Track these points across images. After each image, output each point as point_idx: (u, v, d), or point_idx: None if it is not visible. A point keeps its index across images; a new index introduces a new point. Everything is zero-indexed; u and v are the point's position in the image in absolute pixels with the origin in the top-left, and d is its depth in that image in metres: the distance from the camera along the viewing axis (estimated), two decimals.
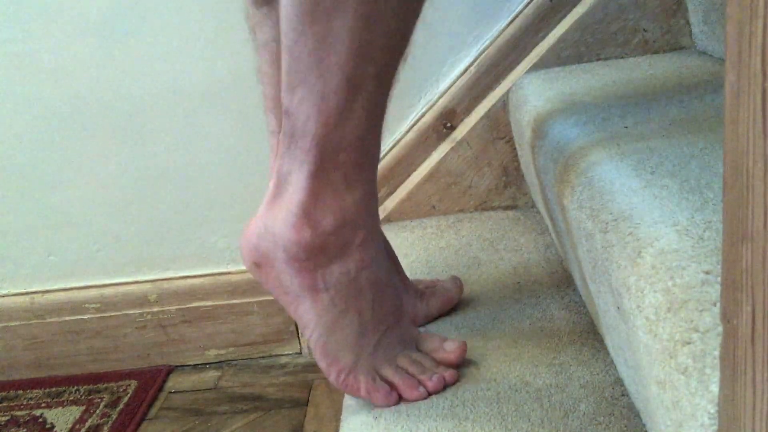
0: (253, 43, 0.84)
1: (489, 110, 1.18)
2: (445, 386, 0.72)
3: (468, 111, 1.21)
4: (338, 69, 0.59)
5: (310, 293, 0.67)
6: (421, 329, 0.85)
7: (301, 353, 1.35)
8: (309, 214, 0.65)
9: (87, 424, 1.21)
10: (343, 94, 0.61)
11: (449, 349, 0.74)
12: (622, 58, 1.16)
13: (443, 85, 1.23)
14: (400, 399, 0.70)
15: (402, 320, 0.74)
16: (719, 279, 0.39)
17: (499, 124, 1.18)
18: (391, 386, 0.70)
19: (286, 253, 0.66)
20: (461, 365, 0.75)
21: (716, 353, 0.39)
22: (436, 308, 0.86)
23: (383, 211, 1.23)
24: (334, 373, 0.70)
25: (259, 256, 0.68)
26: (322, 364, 0.70)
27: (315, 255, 0.66)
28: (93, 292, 1.35)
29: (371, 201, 0.68)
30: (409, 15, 0.62)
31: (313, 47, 0.59)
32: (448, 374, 0.72)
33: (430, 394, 0.71)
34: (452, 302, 0.87)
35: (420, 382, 0.71)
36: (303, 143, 0.63)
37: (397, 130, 1.25)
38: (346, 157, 0.64)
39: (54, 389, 1.33)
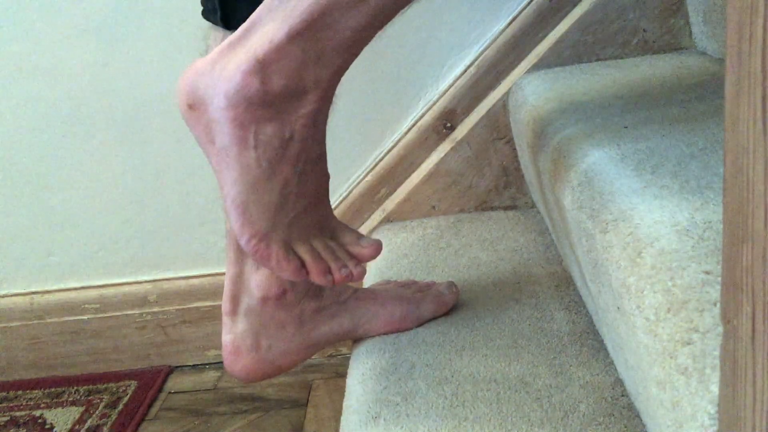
0: None
1: (489, 110, 1.18)
2: (350, 281, 0.71)
3: (468, 111, 1.21)
4: None
5: (237, 147, 0.64)
6: (419, 329, 0.85)
7: None
8: (266, 66, 0.62)
9: (87, 425, 1.21)
10: None
11: (364, 245, 0.73)
12: (622, 58, 1.16)
13: (443, 86, 1.23)
14: (306, 277, 0.69)
15: (323, 205, 0.72)
16: (719, 279, 0.39)
17: (499, 124, 1.18)
18: (302, 264, 0.69)
19: (226, 99, 0.63)
20: (459, 363, 0.75)
21: (716, 354, 0.39)
22: (429, 312, 0.86)
23: (383, 211, 1.23)
24: (247, 236, 0.66)
25: (195, 98, 0.65)
26: (235, 225, 0.66)
27: (254, 108, 0.63)
28: (93, 293, 1.35)
29: (330, 86, 0.65)
30: None
31: None
32: (357, 271, 0.71)
33: (335, 283, 0.70)
34: (446, 307, 0.87)
35: (329, 271, 0.69)
36: (298, 2, 0.60)
37: (397, 130, 1.25)
38: (332, 37, 0.61)
39: (54, 390, 1.33)
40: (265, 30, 0.62)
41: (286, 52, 0.61)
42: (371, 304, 0.85)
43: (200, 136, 0.66)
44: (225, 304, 0.82)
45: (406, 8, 0.64)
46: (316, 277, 0.69)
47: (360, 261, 0.72)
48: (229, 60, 0.63)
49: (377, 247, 0.73)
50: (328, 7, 0.60)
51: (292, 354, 0.83)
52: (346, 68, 0.66)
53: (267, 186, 0.65)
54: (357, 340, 0.88)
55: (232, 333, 0.81)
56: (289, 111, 0.64)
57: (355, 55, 0.65)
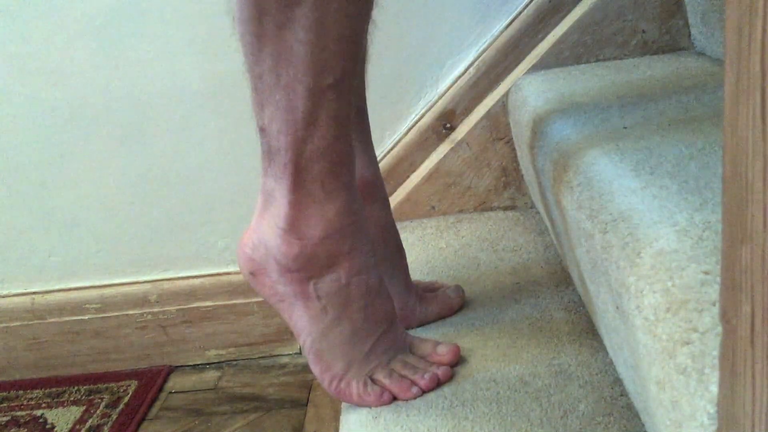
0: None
1: (488, 111, 1.18)
2: (438, 384, 0.72)
3: (467, 112, 1.21)
4: (298, 82, 0.61)
5: (302, 301, 0.69)
6: (419, 329, 0.85)
7: (300, 353, 1.35)
8: (294, 226, 0.66)
9: (87, 425, 1.21)
10: (307, 105, 0.62)
11: (441, 353, 0.75)
12: (621, 58, 1.16)
13: (443, 86, 1.23)
14: (394, 400, 0.71)
15: (395, 326, 0.74)
16: (718, 279, 0.39)
17: (498, 124, 1.18)
18: (384, 389, 0.71)
19: (278, 264, 0.68)
20: (459, 365, 0.75)
21: (715, 353, 0.39)
22: (434, 314, 0.86)
23: None
24: (327, 380, 0.71)
25: (254, 266, 0.70)
26: (315, 371, 0.71)
27: (305, 265, 0.68)
28: (93, 293, 1.35)
29: (354, 207, 0.69)
30: (358, 19, 0.62)
31: (271, 65, 0.60)
32: (441, 371, 0.73)
33: (424, 392, 0.72)
34: (452, 310, 0.88)
35: (413, 383, 0.71)
36: (279, 159, 0.64)
37: (397, 131, 1.25)
38: (321, 167, 0.65)
39: (54, 389, 1.33)
40: (275, 195, 0.67)
41: (299, 204, 0.67)
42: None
43: (269, 297, 0.71)
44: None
45: (358, 96, 0.70)
46: (403, 395, 0.71)
47: (442, 365, 0.74)
48: (265, 230, 0.69)
49: (456, 353, 0.76)
50: (297, 142, 0.63)
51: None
52: (354, 187, 0.69)
53: (336, 330, 0.70)
54: None
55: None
56: (334, 254, 0.69)
57: (351, 170, 0.69)
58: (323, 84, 0.61)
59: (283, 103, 0.62)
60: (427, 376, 0.72)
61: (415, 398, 0.71)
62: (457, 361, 0.76)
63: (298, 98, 0.61)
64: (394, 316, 0.74)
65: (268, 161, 0.66)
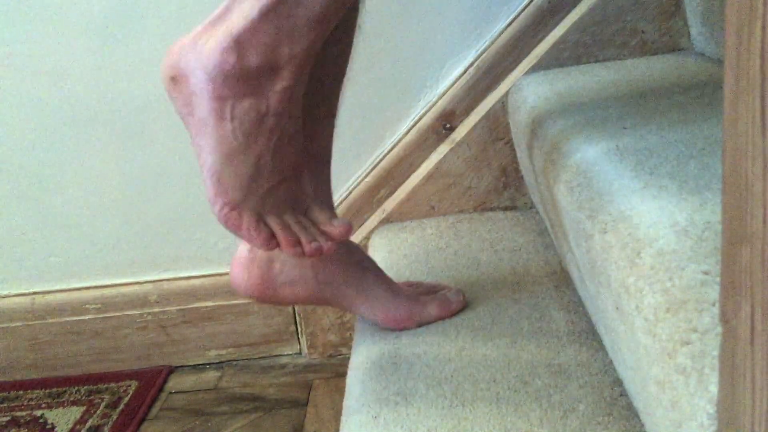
0: None
1: (488, 111, 1.18)
2: (320, 254, 0.72)
3: (467, 112, 1.21)
4: None
5: (215, 119, 0.67)
6: (420, 329, 0.86)
7: (301, 353, 1.35)
8: (242, 43, 0.65)
9: (87, 425, 1.21)
10: None
11: (335, 224, 0.75)
12: (621, 59, 1.16)
13: (442, 87, 1.23)
14: (276, 247, 0.71)
15: (300, 181, 0.74)
16: (718, 279, 0.40)
17: (498, 125, 1.18)
18: (271, 235, 0.70)
19: (205, 74, 0.66)
20: (459, 365, 0.76)
21: (715, 354, 0.39)
22: (432, 315, 0.86)
23: (383, 212, 1.23)
24: (219, 204, 0.69)
25: (177, 71, 0.68)
26: (209, 193, 0.70)
27: (231, 83, 0.66)
28: (94, 293, 1.35)
29: (304, 62, 0.68)
30: None
31: None
32: (327, 245, 0.73)
33: (305, 255, 0.71)
34: (451, 313, 0.87)
35: (299, 242, 0.71)
36: None
37: (397, 131, 1.25)
38: (303, 13, 0.64)
39: (55, 390, 1.33)
40: (242, 8, 0.65)
41: (260, 29, 0.65)
42: (384, 290, 0.85)
43: (181, 107, 0.70)
44: None
45: None
46: (286, 248, 0.70)
47: (330, 239, 0.73)
48: (210, 37, 0.66)
49: (347, 228, 0.75)
50: None
51: (298, 288, 0.83)
52: (319, 44, 0.68)
53: (241, 158, 0.68)
54: (356, 339, 0.88)
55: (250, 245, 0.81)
56: (264, 86, 0.67)
57: (326, 30, 0.68)
58: None
59: None
60: (314, 244, 0.71)
61: (294, 255, 0.71)
62: (347, 237, 0.75)
63: None
64: (302, 172, 0.74)
65: None
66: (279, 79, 0.67)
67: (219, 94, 0.66)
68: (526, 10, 1.18)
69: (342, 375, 1.22)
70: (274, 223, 0.71)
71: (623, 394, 0.69)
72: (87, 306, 1.35)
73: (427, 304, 0.86)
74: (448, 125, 1.21)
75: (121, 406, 1.25)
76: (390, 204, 1.23)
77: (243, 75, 0.66)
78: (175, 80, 0.69)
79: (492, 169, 1.20)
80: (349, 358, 0.88)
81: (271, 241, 0.70)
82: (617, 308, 0.54)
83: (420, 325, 0.86)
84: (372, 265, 0.87)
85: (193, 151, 0.70)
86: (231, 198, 0.69)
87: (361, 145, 1.26)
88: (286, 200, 0.72)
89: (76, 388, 1.33)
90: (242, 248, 0.83)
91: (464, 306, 0.89)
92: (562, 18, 1.17)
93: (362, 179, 1.26)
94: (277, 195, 0.71)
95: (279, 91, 0.67)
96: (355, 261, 0.86)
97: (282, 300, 0.84)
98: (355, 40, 0.79)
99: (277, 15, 0.64)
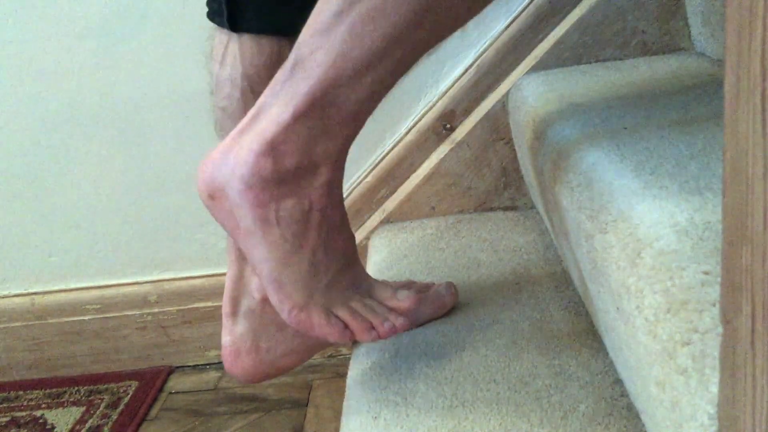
0: (211, 78, 0.84)
1: (488, 111, 1.18)
2: (395, 333, 0.74)
3: (467, 112, 1.21)
4: (369, 41, 0.59)
5: (261, 227, 0.66)
6: (419, 329, 0.85)
7: None
8: (276, 147, 0.64)
9: (87, 425, 1.21)
10: (362, 63, 0.60)
11: (401, 299, 0.76)
12: (621, 59, 1.16)
13: (443, 87, 1.23)
14: (353, 338, 0.72)
15: (355, 265, 0.74)
16: (719, 280, 0.40)
17: (498, 125, 1.18)
18: (345, 325, 0.71)
19: (243, 183, 0.65)
20: (459, 365, 0.75)
21: (716, 354, 0.39)
22: (427, 314, 0.86)
23: (383, 212, 1.23)
24: (287, 309, 0.69)
25: (214, 187, 0.67)
26: (274, 300, 0.69)
27: (271, 187, 0.65)
28: (93, 293, 1.35)
29: (341, 156, 0.68)
30: (467, 13, 0.62)
31: (355, 20, 0.59)
32: (399, 322, 0.74)
33: (380, 338, 0.73)
34: (444, 308, 0.87)
35: (372, 326, 0.72)
36: (301, 84, 0.62)
37: (397, 131, 1.25)
38: (336, 113, 0.63)
39: (54, 390, 1.33)
40: (271, 113, 0.64)
41: (293, 131, 0.64)
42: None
43: (225, 222, 0.69)
44: (225, 305, 0.82)
45: (404, 75, 0.66)
46: (361, 336, 0.72)
47: (401, 314, 0.75)
48: (241, 147, 0.65)
49: (414, 300, 0.77)
50: (329, 85, 0.61)
51: (292, 355, 0.84)
52: (354, 137, 0.68)
53: (296, 258, 0.68)
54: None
55: (231, 335, 0.82)
56: (304, 185, 0.67)
57: (361, 124, 0.67)
58: (391, 55, 0.60)
59: (339, 48, 0.60)
60: (387, 325, 0.73)
61: (371, 341, 0.73)
62: (414, 309, 0.77)
63: (358, 53, 0.60)
64: (355, 255, 0.74)
65: (284, 80, 0.63)
66: (318, 176, 0.67)
67: (260, 200, 0.66)
68: (526, 10, 1.18)
69: (342, 375, 1.22)
70: (342, 313, 0.71)
71: (624, 394, 0.69)
72: (87, 306, 1.35)
73: (420, 304, 0.86)
74: (448, 125, 1.21)
75: (121, 407, 1.25)
76: (390, 204, 1.23)
77: (281, 178, 0.65)
78: (213, 197, 0.67)
79: (492, 169, 1.20)
80: (349, 359, 0.88)
81: (345, 332, 0.71)
82: (618, 308, 0.54)
83: (417, 324, 0.86)
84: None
85: (249, 263, 0.71)
86: (296, 300, 0.69)
87: (361, 145, 1.26)
88: (348, 287, 0.73)
89: (76, 388, 1.33)
90: (224, 341, 0.83)
91: (456, 299, 0.89)
92: (563, 18, 1.16)
93: (362, 179, 1.26)
94: (338, 285, 0.71)
95: (319, 186, 0.67)
96: None
97: (284, 371, 0.86)
98: None
99: (309, 117, 0.63)
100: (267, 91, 0.65)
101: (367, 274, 0.78)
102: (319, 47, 0.60)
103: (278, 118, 0.63)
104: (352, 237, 0.74)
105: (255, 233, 0.67)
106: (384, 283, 0.78)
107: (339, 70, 0.61)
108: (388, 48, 0.60)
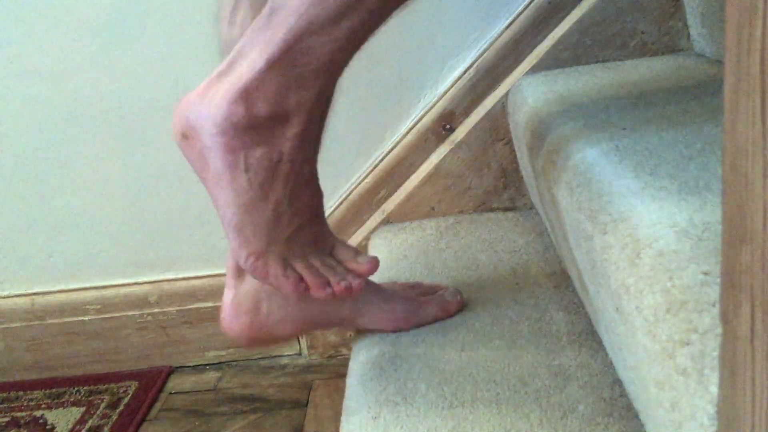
0: (218, 40, 0.85)
1: (488, 112, 1.18)
2: (350, 293, 0.73)
3: (467, 113, 1.21)
4: None
5: (229, 172, 0.67)
6: (420, 329, 0.86)
7: (300, 354, 1.35)
8: (249, 93, 0.64)
9: (87, 425, 1.21)
10: (337, 10, 0.61)
11: (361, 261, 0.76)
12: (621, 60, 1.16)
13: (442, 87, 1.23)
14: (306, 291, 0.72)
15: (319, 222, 0.74)
16: (718, 280, 0.40)
17: (498, 125, 1.18)
18: (301, 279, 0.71)
19: (215, 127, 0.65)
20: (459, 365, 0.76)
21: (715, 354, 0.39)
22: (431, 316, 0.86)
23: (382, 212, 1.23)
24: (244, 255, 0.70)
25: (187, 127, 0.67)
26: (233, 245, 0.70)
27: (242, 133, 0.66)
28: (93, 294, 1.35)
29: (314, 108, 0.68)
30: None
31: None
32: (356, 282, 0.74)
33: (335, 295, 0.72)
34: (449, 313, 0.88)
35: (328, 283, 0.72)
36: (276, 31, 0.63)
37: (397, 132, 1.25)
38: (309, 61, 0.64)
39: (54, 390, 1.33)
40: (247, 60, 0.65)
41: (267, 79, 0.64)
42: (376, 297, 0.85)
43: (195, 163, 0.69)
44: (230, 268, 0.82)
45: (378, 29, 0.66)
46: (316, 291, 0.72)
47: (358, 276, 0.75)
48: (217, 90, 0.66)
49: (374, 264, 0.76)
50: (302, 33, 0.62)
51: (289, 324, 0.83)
52: (329, 89, 0.69)
53: (260, 207, 0.68)
54: (356, 339, 0.88)
55: (234, 291, 0.81)
56: (275, 134, 0.67)
57: (336, 76, 0.68)
58: (364, 2, 0.61)
59: None
60: (342, 283, 0.72)
61: (324, 298, 0.72)
62: (373, 273, 0.76)
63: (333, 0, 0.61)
64: (321, 213, 0.74)
65: (262, 26, 0.64)
66: (289, 126, 0.67)
67: (231, 146, 0.66)
68: (526, 11, 1.18)
69: (342, 375, 1.22)
70: (300, 267, 0.72)
71: (623, 394, 0.69)
72: (87, 307, 1.35)
73: (425, 305, 0.86)
74: (448, 126, 1.21)
75: (121, 407, 1.25)
76: (390, 205, 1.23)
77: (253, 125, 0.66)
78: (186, 136, 0.68)
79: (492, 169, 1.20)
80: (349, 359, 0.88)
81: (300, 285, 0.71)
82: (617, 309, 0.54)
83: (419, 326, 0.86)
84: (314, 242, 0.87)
85: (212, 204, 0.70)
86: (255, 248, 0.69)
87: (361, 146, 1.26)
88: (309, 243, 0.73)
89: (76, 388, 1.33)
90: (225, 298, 0.83)
91: (462, 306, 0.89)
92: (562, 19, 1.17)
93: (362, 180, 1.26)
94: (299, 239, 0.72)
95: (290, 137, 0.68)
96: None
97: (277, 339, 0.84)
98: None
99: (283, 65, 0.64)
100: (244, 38, 0.66)
101: (333, 235, 0.77)
102: None
103: (253, 65, 0.64)
104: (320, 194, 0.74)
105: (222, 177, 0.67)
106: (347, 245, 0.77)
107: (312, 18, 0.61)
108: None
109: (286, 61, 0.63)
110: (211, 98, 0.66)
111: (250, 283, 0.81)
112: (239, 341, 0.84)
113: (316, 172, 0.73)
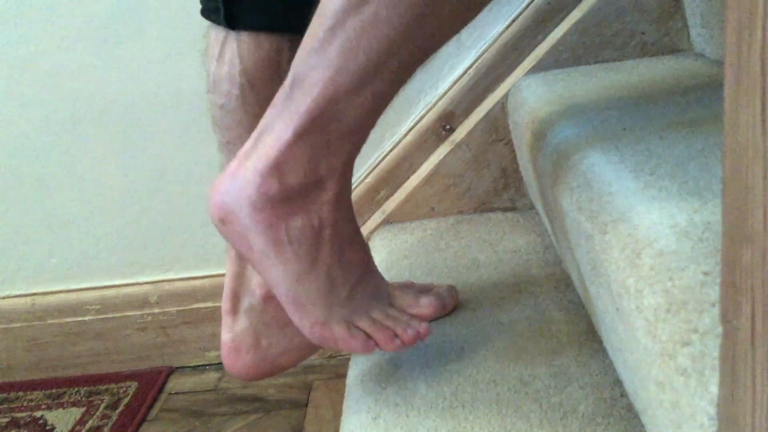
0: (207, 76, 0.84)
1: (488, 112, 1.18)
2: (419, 339, 0.73)
3: (467, 113, 1.21)
4: (364, 55, 0.59)
5: (273, 247, 0.67)
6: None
7: None
8: (280, 166, 0.64)
9: (87, 426, 1.21)
10: (359, 77, 0.60)
11: (423, 305, 0.76)
12: (620, 60, 1.16)
13: (442, 88, 1.23)
14: (376, 347, 0.71)
15: (372, 275, 0.74)
16: (718, 280, 0.40)
17: (498, 126, 1.18)
18: (367, 336, 0.71)
19: (251, 205, 0.65)
20: (459, 366, 0.76)
21: (715, 354, 0.39)
22: (427, 315, 0.86)
23: (383, 213, 1.23)
24: (308, 326, 0.69)
25: (224, 211, 0.67)
26: (295, 318, 0.70)
27: (278, 206, 0.65)
28: (93, 294, 1.35)
29: (346, 170, 0.68)
30: (459, 23, 0.62)
31: (349, 35, 0.59)
32: (423, 328, 0.73)
33: (404, 345, 0.72)
34: (445, 311, 0.87)
35: (396, 335, 0.71)
36: (300, 103, 0.62)
37: (397, 132, 1.25)
38: (337, 128, 0.63)
39: (54, 391, 1.33)
40: (273, 133, 0.64)
41: (296, 149, 0.64)
42: None
43: (239, 246, 0.69)
44: (225, 302, 0.82)
45: (403, 88, 0.66)
46: (385, 345, 0.71)
47: (423, 320, 0.74)
48: (247, 168, 0.65)
49: (437, 305, 0.77)
50: (327, 102, 0.62)
51: (293, 353, 0.83)
52: (358, 150, 0.68)
53: (312, 275, 0.68)
54: None
55: (231, 332, 0.82)
56: (312, 201, 0.67)
57: (364, 137, 0.67)
58: (388, 66, 0.60)
59: (336, 63, 0.60)
60: (410, 331, 0.72)
61: (396, 350, 0.71)
62: (437, 314, 0.76)
63: (355, 67, 0.60)
64: (372, 265, 0.74)
65: (284, 99, 0.63)
66: (324, 192, 0.67)
67: (270, 220, 0.66)
68: (525, 11, 1.18)
69: (342, 376, 1.22)
70: (364, 324, 0.71)
71: (623, 395, 0.69)
72: (87, 307, 1.35)
73: (440, 308, 0.86)
74: (447, 126, 1.21)
75: (121, 407, 1.25)
76: (390, 205, 1.23)
77: (288, 196, 0.65)
78: (225, 221, 0.67)
79: (492, 170, 1.20)
80: (349, 359, 0.88)
81: (368, 343, 0.71)
82: (617, 309, 0.54)
83: None
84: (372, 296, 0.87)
85: (266, 284, 0.70)
86: (316, 317, 0.69)
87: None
88: (367, 298, 0.72)
89: (76, 389, 1.33)
90: (224, 339, 0.83)
91: (456, 302, 0.89)
92: (562, 19, 1.17)
93: (362, 180, 1.26)
94: (356, 297, 0.71)
95: (327, 201, 0.67)
96: None
97: (284, 369, 0.85)
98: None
99: (310, 134, 0.63)
100: (268, 112, 0.65)
101: (386, 282, 0.77)
102: (315, 65, 0.61)
103: (280, 138, 0.63)
104: (367, 247, 0.74)
105: (268, 254, 0.67)
106: (404, 289, 0.77)
107: (336, 86, 0.61)
108: (383, 61, 0.60)
109: (312, 130, 0.63)
110: (242, 177, 0.65)
111: (246, 320, 0.81)
112: (246, 379, 0.84)
113: (357, 227, 0.73)
